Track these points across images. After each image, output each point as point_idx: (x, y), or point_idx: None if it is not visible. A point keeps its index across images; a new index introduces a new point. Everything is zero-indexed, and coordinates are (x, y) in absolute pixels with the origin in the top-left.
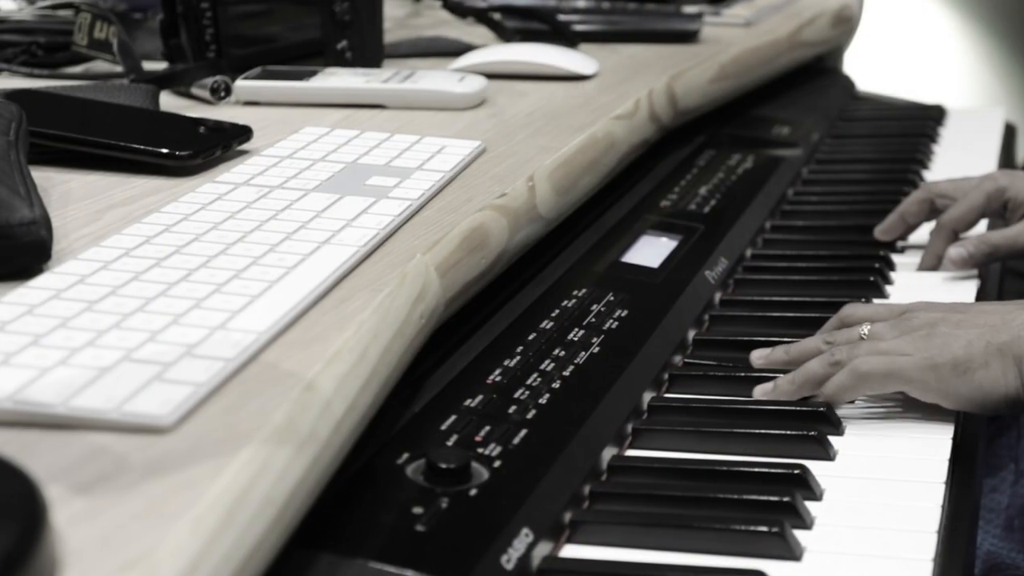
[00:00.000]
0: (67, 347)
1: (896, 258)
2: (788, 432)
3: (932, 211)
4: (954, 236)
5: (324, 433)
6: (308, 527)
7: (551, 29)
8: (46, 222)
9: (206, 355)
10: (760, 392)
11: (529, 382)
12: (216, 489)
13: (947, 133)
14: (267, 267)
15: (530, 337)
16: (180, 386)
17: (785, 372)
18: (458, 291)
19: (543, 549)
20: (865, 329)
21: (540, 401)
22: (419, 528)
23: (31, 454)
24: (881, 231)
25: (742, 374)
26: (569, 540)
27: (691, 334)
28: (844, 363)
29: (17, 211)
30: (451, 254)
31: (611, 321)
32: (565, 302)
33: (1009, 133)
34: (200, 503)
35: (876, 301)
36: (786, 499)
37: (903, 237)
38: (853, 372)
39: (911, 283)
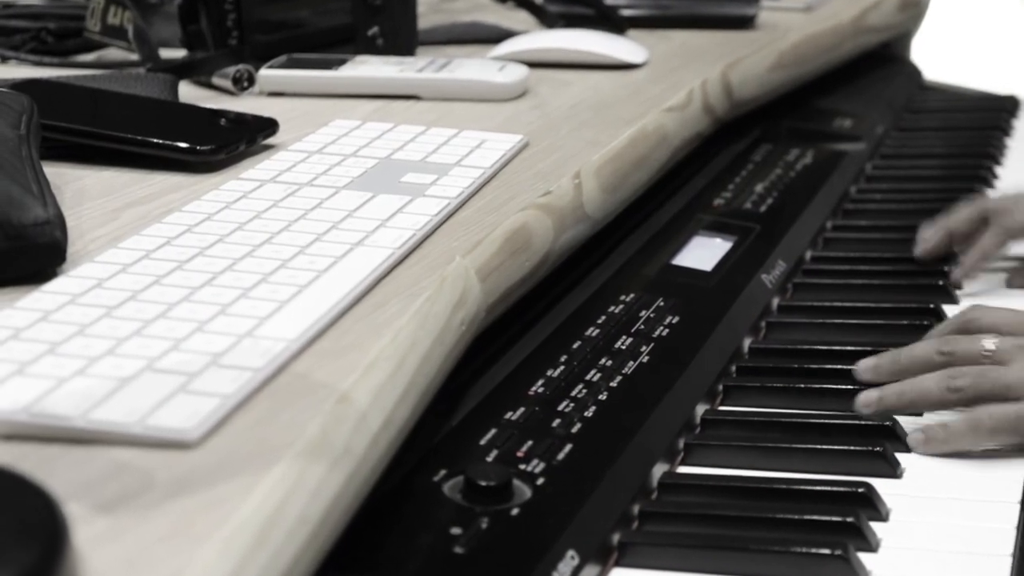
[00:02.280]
0: (85, 356)
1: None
2: (852, 448)
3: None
4: (1011, 239)
5: (360, 448)
6: (341, 548)
7: (597, 14)
8: (60, 222)
9: (233, 365)
10: (863, 403)
11: (574, 394)
12: (246, 508)
13: (1022, 126)
14: (296, 270)
15: (575, 345)
16: (206, 398)
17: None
18: (500, 296)
19: (590, 573)
20: (990, 344)
21: (586, 414)
22: (457, 550)
23: (49, 470)
24: (925, 250)
25: (802, 385)
26: (617, 563)
27: (747, 342)
28: (965, 392)
29: (30, 210)
30: (492, 257)
31: (661, 328)
32: (612, 308)
33: None
34: (230, 523)
35: (1003, 305)
36: (850, 519)
37: (948, 258)
38: (975, 426)
39: (982, 287)
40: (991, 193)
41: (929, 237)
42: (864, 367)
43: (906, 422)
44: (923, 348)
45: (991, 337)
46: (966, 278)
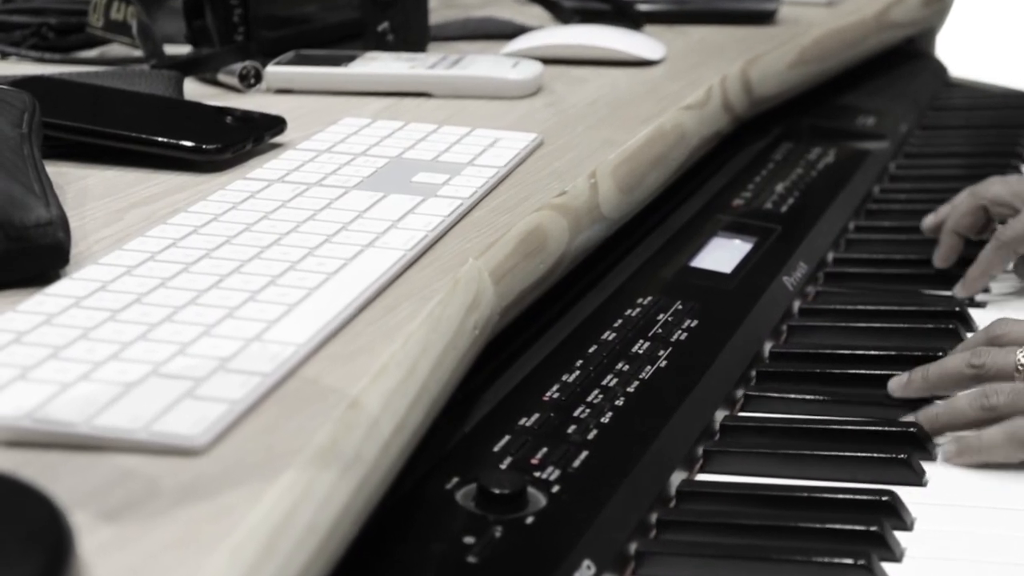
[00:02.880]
0: (89, 360)
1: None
2: (875, 455)
3: (987, 220)
4: (1015, 255)
5: (371, 455)
6: (351, 558)
7: (613, 9)
8: (64, 223)
9: (241, 369)
10: (895, 386)
11: (590, 399)
12: (255, 516)
13: None
14: (306, 273)
15: (591, 350)
16: (213, 404)
17: None
18: (514, 299)
19: None
20: (1023, 358)
21: (602, 420)
22: (471, 560)
23: (53, 477)
24: (941, 258)
25: (824, 391)
26: (634, 573)
27: (768, 346)
28: (1000, 410)
29: (32, 211)
30: (506, 258)
31: (679, 332)
32: (629, 311)
33: None
34: (238, 531)
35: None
36: (873, 528)
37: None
38: (1013, 438)
39: (1009, 288)
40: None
41: (940, 247)
42: (895, 385)
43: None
44: (953, 362)
45: (1023, 351)
46: (970, 293)
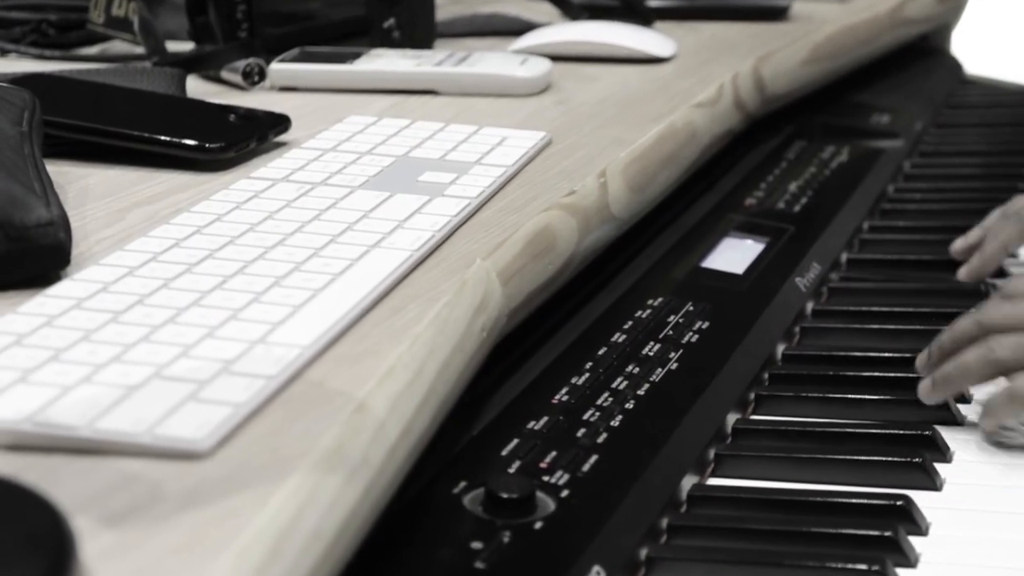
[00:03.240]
0: (91, 363)
1: (1012, 265)
2: (890, 459)
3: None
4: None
5: (377, 459)
6: (357, 563)
7: (623, 5)
8: (65, 223)
9: (245, 372)
10: (924, 391)
11: (600, 402)
12: (260, 521)
13: None
14: (311, 274)
15: (600, 352)
16: (217, 407)
17: None
18: (522, 300)
19: None
20: None
21: (612, 423)
22: (478, 565)
23: (54, 481)
24: (974, 273)
25: (838, 393)
26: None
27: (780, 348)
28: (1006, 362)
29: (33, 211)
30: (514, 259)
31: (691, 334)
32: (639, 312)
33: None
34: (242, 536)
35: None
36: (888, 534)
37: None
38: (1013, 396)
39: None
40: None
41: (977, 264)
42: (920, 362)
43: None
44: (963, 323)
45: None
46: (978, 275)
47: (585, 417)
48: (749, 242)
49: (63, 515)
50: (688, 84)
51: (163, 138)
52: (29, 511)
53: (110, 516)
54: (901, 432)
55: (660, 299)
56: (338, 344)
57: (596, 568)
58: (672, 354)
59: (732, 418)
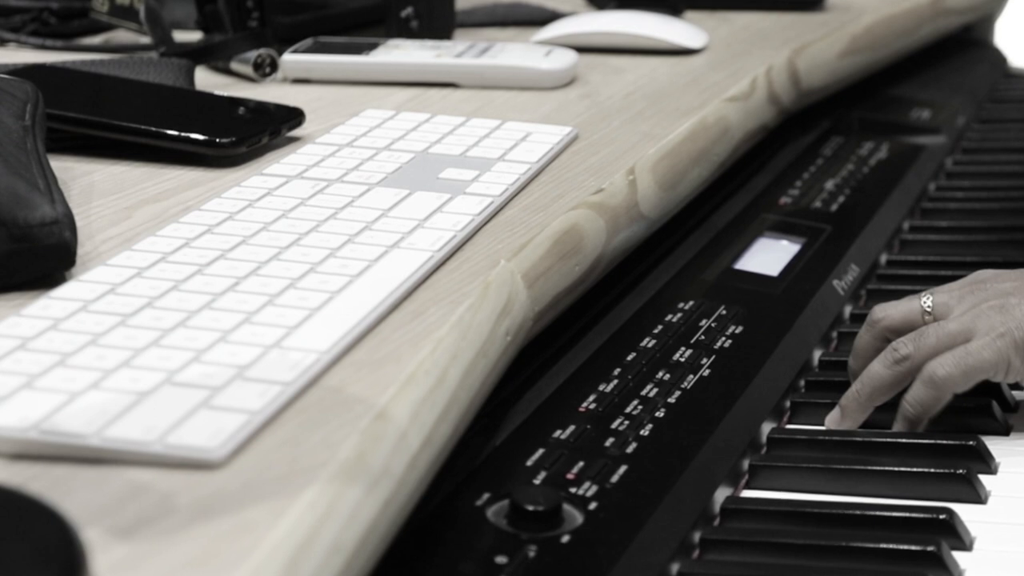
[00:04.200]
0: (99, 368)
1: None
2: (932, 470)
3: None
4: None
5: (398, 469)
6: None
7: None
8: (70, 222)
9: (260, 378)
10: (831, 422)
11: (629, 410)
12: (276, 534)
13: None
14: (327, 275)
15: (629, 357)
16: (231, 414)
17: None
18: (548, 303)
19: None
20: (927, 301)
21: (642, 432)
22: None
23: (62, 493)
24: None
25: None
26: None
27: (817, 354)
28: (912, 357)
29: (37, 209)
30: (540, 260)
31: (723, 339)
32: (670, 316)
33: None
34: (258, 550)
35: None
36: (930, 548)
37: None
38: (930, 382)
39: None
40: None
41: None
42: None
43: None
44: (861, 339)
45: (927, 294)
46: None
47: (614, 426)
48: (784, 243)
49: (73, 527)
50: (720, 77)
51: (171, 132)
52: (38, 523)
53: (120, 529)
54: (944, 442)
55: (691, 302)
56: (357, 349)
57: None
58: (704, 360)
59: (767, 427)
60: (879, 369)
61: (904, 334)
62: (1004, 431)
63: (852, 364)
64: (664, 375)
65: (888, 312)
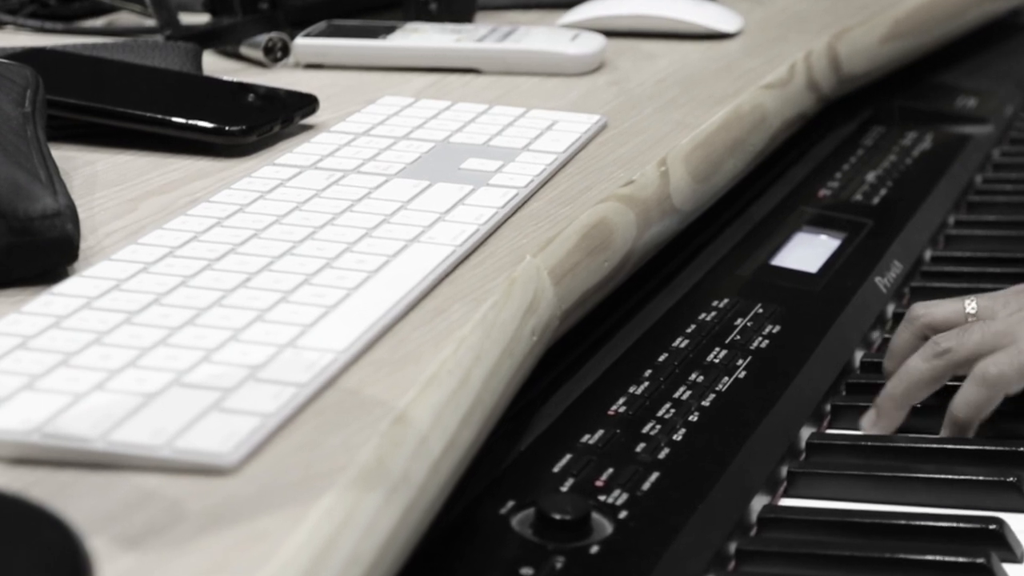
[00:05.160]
0: (104, 368)
1: None
2: (980, 477)
3: None
4: None
5: (419, 475)
6: None
7: None
8: (72, 214)
9: (274, 379)
10: (866, 423)
11: (660, 414)
12: (292, 543)
13: None
14: (344, 271)
15: (661, 358)
16: (244, 417)
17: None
18: (575, 301)
19: None
20: (971, 304)
21: (674, 438)
22: None
23: (66, 498)
24: None
25: (922, 404)
26: None
27: (859, 355)
28: (954, 352)
29: (38, 200)
30: (567, 256)
31: (760, 339)
32: (703, 315)
33: None
34: (273, 560)
35: None
36: (979, 560)
37: None
38: (982, 381)
39: None
40: None
41: None
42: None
43: None
44: (899, 336)
45: (970, 298)
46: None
47: (645, 430)
48: (823, 238)
49: (77, 535)
50: (756, 63)
51: (177, 120)
52: (40, 532)
53: (127, 537)
54: (993, 448)
55: (726, 300)
56: (375, 348)
57: None
58: (740, 361)
59: (806, 432)
60: (918, 363)
61: None
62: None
63: (887, 364)
64: (698, 377)
65: (930, 310)
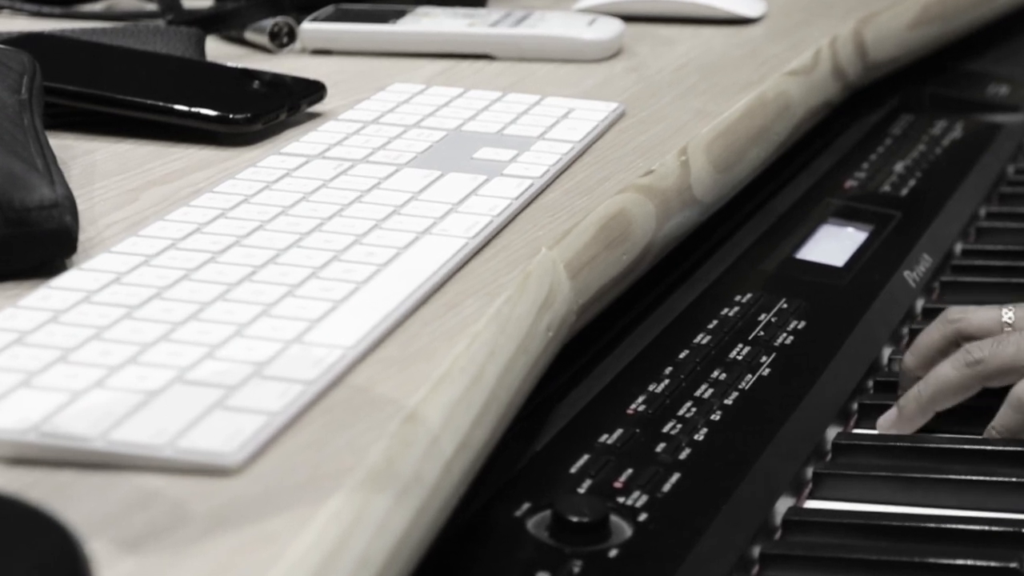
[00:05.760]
0: (104, 365)
1: None
2: (1012, 479)
3: None
4: None
5: (431, 476)
6: None
7: None
8: (71, 205)
9: (280, 376)
10: (885, 423)
11: (681, 413)
12: (299, 546)
13: None
14: (352, 264)
15: (682, 355)
16: (249, 415)
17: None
18: (593, 295)
19: None
20: (1008, 314)
21: (696, 437)
22: None
23: (64, 501)
24: None
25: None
26: None
27: (886, 352)
28: (987, 362)
29: (35, 190)
30: (584, 248)
31: (784, 335)
32: (726, 310)
33: None
34: (280, 564)
35: None
36: (1012, 565)
37: None
38: (1019, 406)
39: None
40: None
41: None
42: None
43: None
44: (927, 335)
45: (1008, 307)
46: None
47: (665, 430)
48: (850, 230)
49: (76, 538)
50: (780, 49)
51: (180, 108)
52: (38, 534)
53: (128, 540)
54: None
55: (749, 295)
56: (385, 345)
57: None
58: (764, 358)
59: (832, 432)
60: (948, 371)
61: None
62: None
63: (909, 359)
64: (720, 374)
65: (966, 315)
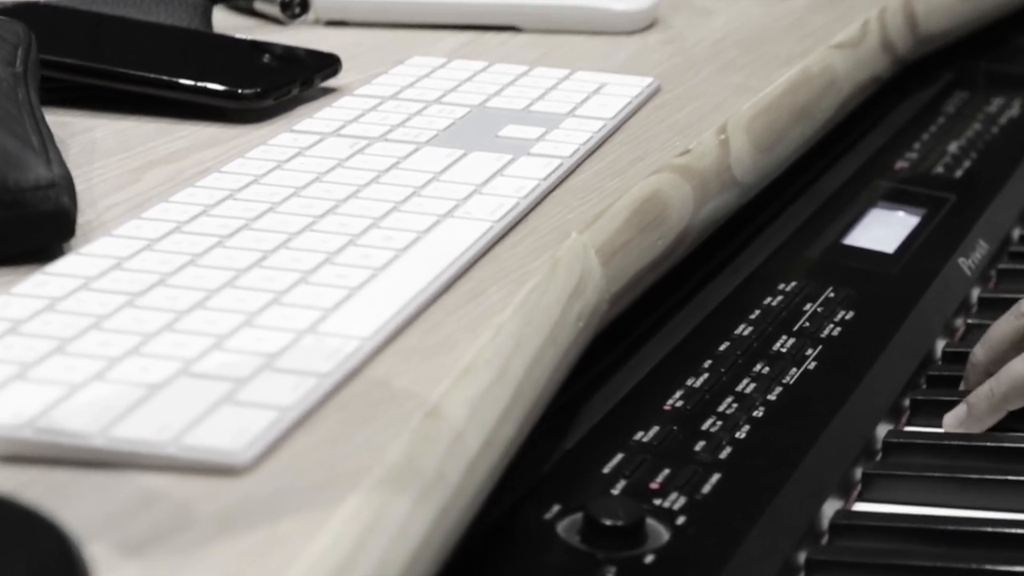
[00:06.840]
0: (104, 356)
1: None
2: None
3: None
4: None
5: (455, 476)
6: None
7: None
8: (68, 185)
9: (292, 369)
10: (952, 422)
11: (722, 409)
12: (313, 550)
13: None
14: (370, 249)
15: (722, 348)
16: (259, 410)
17: None
18: (626, 283)
19: None
20: None
21: (737, 435)
22: None
23: (62, 501)
24: None
25: None
26: None
27: (940, 345)
28: None
29: (30, 170)
30: (617, 233)
31: (831, 326)
32: (768, 300)
33: None
34: (292, 569)
35: None
36: None
37: None
38: None
39: None
40: None
41: None
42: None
43: None
44: (1000, 327)
45: None
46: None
47: (704, 427)
48: (901, 214)
49: (74, 541)
50: (825, 20)
51: (185, 82)
52: (34, 537)
53: (129, 544)
54: None
55: (794, 283)
56: (405, 335)
57: None
58: (809, 351)
59: (883, 430)
60: (1022, 367)
61: None
62: None
63: (979, 351)
64: (763, 368)
65: None
